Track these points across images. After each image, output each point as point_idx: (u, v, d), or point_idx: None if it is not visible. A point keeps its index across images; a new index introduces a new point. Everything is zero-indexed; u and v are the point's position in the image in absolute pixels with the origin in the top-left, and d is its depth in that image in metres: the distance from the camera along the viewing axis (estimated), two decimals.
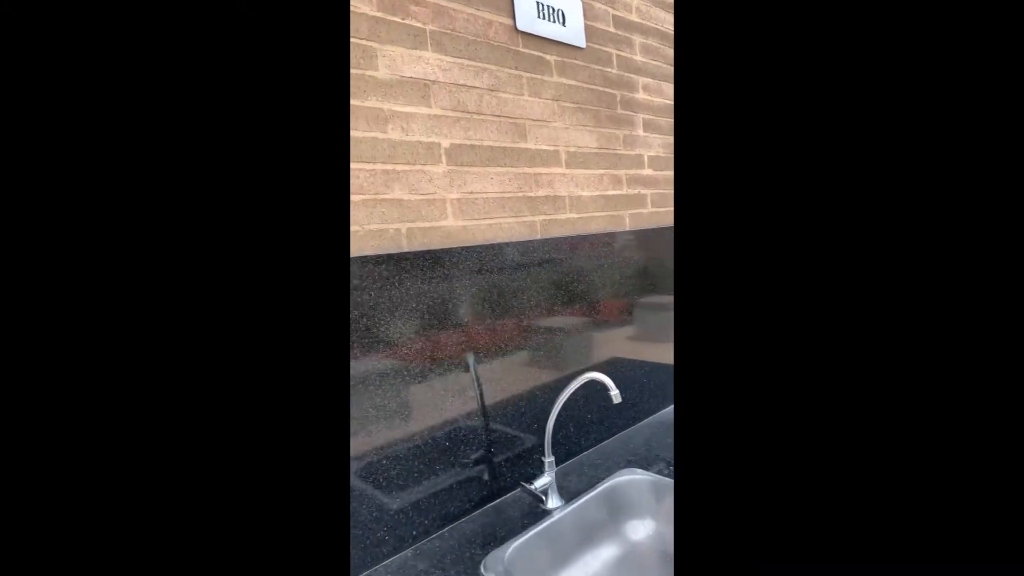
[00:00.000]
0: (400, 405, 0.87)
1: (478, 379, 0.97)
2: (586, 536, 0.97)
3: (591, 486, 1.02)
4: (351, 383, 0.81)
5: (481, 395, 0.98)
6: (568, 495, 1.00)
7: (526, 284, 1.06)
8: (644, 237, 1.35)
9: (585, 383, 1.03)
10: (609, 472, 1.07)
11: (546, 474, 0.96)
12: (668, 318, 1.42)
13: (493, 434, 1.00)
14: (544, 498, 0.94)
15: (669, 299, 1.43)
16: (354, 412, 0.82)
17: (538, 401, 1.08)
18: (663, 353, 1.38)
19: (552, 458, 0.96)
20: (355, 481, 0.82)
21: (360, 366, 0.82)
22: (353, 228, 0.82)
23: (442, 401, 0.93)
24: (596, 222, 1.23)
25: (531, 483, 0.95)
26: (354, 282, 0.82)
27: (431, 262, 0.91)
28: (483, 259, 0.99)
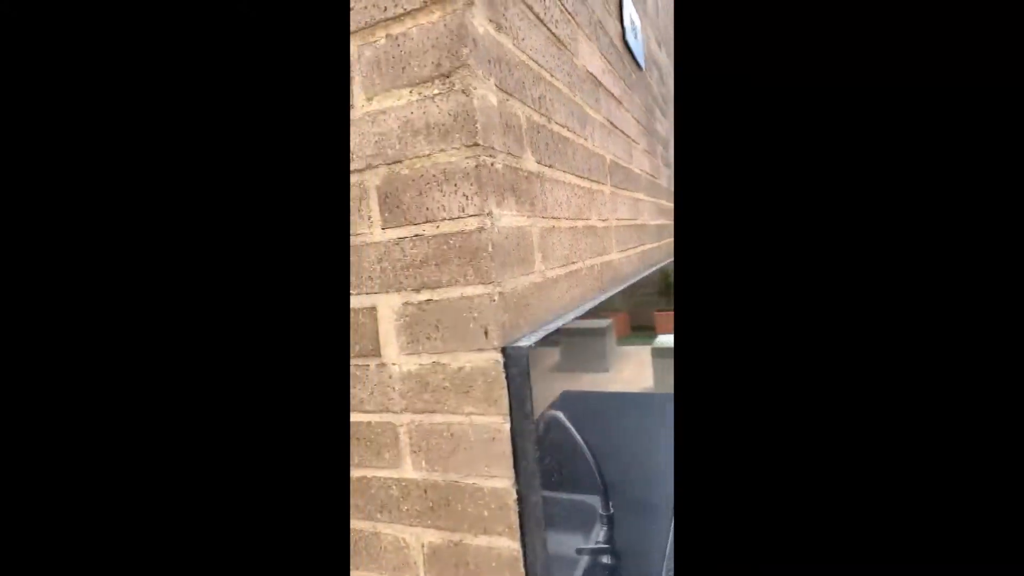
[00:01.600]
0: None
1: (584, 438, 0.78)
2: None
3: None
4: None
5: (595, 459, 0.80)
6: None
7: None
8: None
9: None
10: None
11: None
12: None
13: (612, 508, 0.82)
14: None
15: None
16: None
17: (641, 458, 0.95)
18: None
19: None
20: None
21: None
22: (615, 256, 0.60)
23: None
24: (660, 251, 1.16)
25: None
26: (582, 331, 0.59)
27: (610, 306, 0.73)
28: (633, 299, 0.83)
